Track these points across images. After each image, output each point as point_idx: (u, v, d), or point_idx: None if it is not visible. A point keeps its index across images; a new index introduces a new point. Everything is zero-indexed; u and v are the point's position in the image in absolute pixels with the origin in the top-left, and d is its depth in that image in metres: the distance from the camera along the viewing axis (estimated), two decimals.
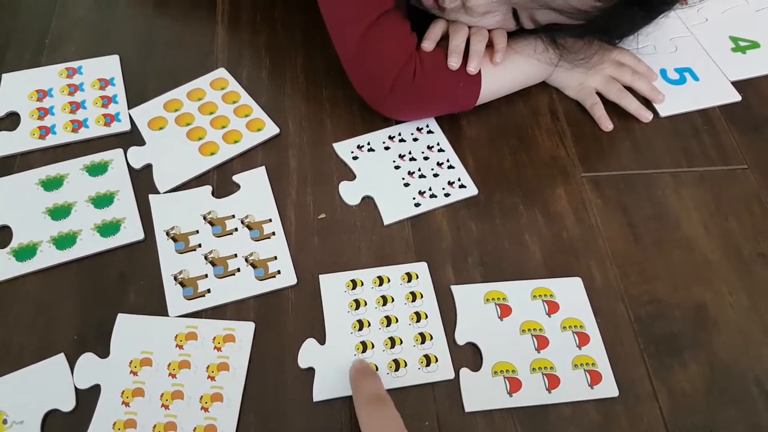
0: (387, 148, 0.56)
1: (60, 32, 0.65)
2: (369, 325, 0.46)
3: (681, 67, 0.66)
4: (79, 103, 0.58)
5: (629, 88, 0.61)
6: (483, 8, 0.54)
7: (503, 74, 0.59)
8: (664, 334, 0.48)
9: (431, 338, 0.46)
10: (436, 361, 0.45)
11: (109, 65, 0.61)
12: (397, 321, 0.46)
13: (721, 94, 0.64)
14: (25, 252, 0.49)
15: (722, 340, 0.47)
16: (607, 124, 0.60)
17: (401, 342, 0.45)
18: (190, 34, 0.65)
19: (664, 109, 0.62)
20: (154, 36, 0.64)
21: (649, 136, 0.60)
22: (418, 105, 0.57)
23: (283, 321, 0.47)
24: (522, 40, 0.59)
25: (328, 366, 0.44)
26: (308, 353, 0.45)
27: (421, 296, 0.48)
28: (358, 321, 0.46)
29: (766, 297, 0.50)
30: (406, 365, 0.44)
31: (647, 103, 0.62)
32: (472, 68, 0.55)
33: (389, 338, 0.46)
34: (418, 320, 0.47)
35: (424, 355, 0.45)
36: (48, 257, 0.49)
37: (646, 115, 0.60)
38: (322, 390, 0.44)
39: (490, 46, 0.57)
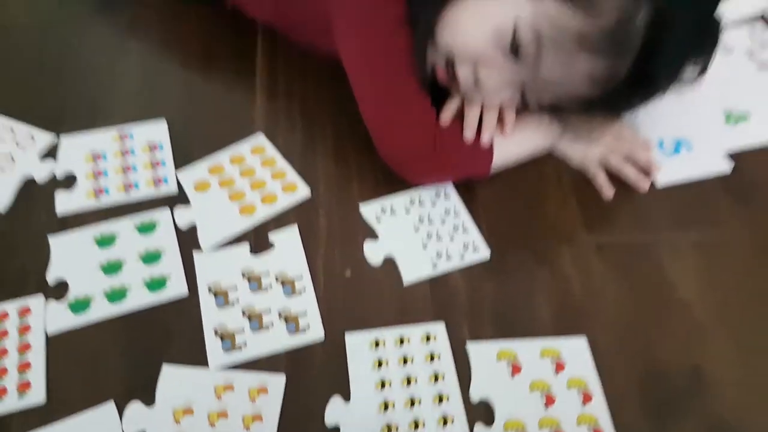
0: (408, 212, 0.58)
1: (114, 98, 0.67)
2: (390, 384, 0.47)
3: (676, 138, 0.67)
4: (131, 166, 0.60)
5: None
6: (494, 88, 0.57)
7: (513, 145, 0.61)
8: (665, 395, 0.48)
9: (448, 399, 0.47)
10: (453, 422, 0.46)
11: (158, 130, 0.63)
12: (416, 381, 0.48)
13: (714, 165, 0.65)
14: (80, 305, 0.51)
15: (721, 402, 0.48)
16: (607, 192, 0.61)
17: (420, 402, 0.47)
18: (232, 102, 0.67)
19: (662, 178, 0.63)
20: (200, 103, 0.67)
21: (648, 204, 0.61)
22: (437, 172, 0.59)
23: (312, 375, 0.48)
24: (529, 114, 0.61)
25: (353, 424, 0.45)
26: (334, 411, 0.46)
27: (439, 357, 0.49)
28: (381, 380, 0.48)
29: (762, 359, 0.50)
30: (425, 425, 0.45)
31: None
32: (485, 140, 0.58)
33: (410, 398, 0.47)
34: (436, 380, 0.48)
35: (442, 416, 0.46)
36: (101, 310, 0.50)
37: (643, 186, 0.62)
38: None
39: (501, 119, 0.60)
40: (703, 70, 0.56)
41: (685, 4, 0.51)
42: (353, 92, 0.59)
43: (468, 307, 0.53)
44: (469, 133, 0.57)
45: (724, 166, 0.64)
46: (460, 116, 0.59)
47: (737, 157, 0.65)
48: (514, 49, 0.52)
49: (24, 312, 0.50)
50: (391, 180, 0.60)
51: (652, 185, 0.62)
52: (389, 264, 0.55)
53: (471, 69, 0.55)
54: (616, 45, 0.50)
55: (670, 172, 0.64)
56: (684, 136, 0.67)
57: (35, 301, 0.51)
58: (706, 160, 0.65)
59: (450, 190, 0.60)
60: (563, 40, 0.50)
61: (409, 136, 0.56)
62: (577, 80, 0.53)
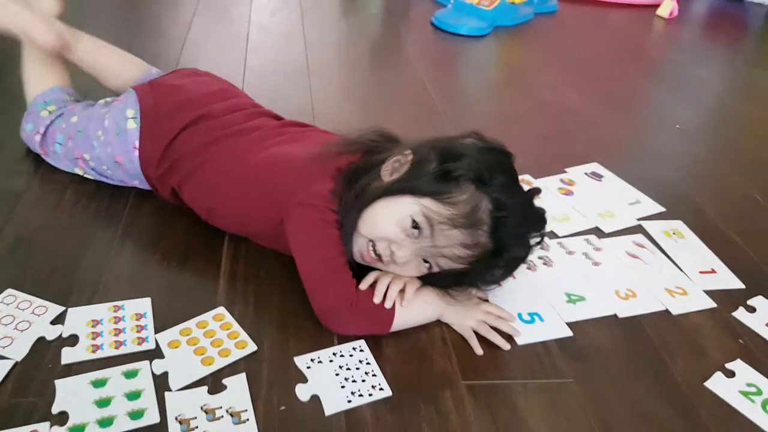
0: (331, 361, 0.79)
1: (109, 280, 0.87)
2: None
3: (531, 311, 0.89)
4: (121, 329, 0.79)
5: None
6: (404, 259, 0.81)
7: (410, 312, 0.83)
8: None
9: None
10: None
11: (143, 304, 0.83)
12: None
13: (558, 331, 0.86)
14: (77, 429, 0.66)
15: None
16: (477, 351, 0.82)
17: None
18: (201, 285, 0.88)
19: (521, 339, 0.84)
20: (176, 284, 0.88)
21: (508, 357, 0.83)
22: (351, 325, 0.81)
23: None
24: (425, 289, 0.86)
25: None
26: None
27: None
28: None
29: None
30: None
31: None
32: (387, 304, 0.81)
33: None
34: None
35: None
36: None
37: (505, 347, 0.83)
38: None
39: (402, 292, 0.83)
40: (540, 241, 0.83)
41: (511, 196, 0.80)
42: (297, 267, 0.82)
43: None
44: (377, 299, 0.81)
45: (567, 332, 0.87)
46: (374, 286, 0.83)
47: (575, 325, 0.90)
48: (416, 229, 0.78)
49: None
50: (320, 339, 0.81)
51: (513, 343, 0.85)
52: (315, 400, 0.74)
53: (387, 246, 0.81)
54: (473, 222, 0.78)
55: (526, 335, 0.85)
56: (537, 310, 0.90)
57: (42, 427, 0.66)
58: (553, 327, 0.87)
59: (363, 345, 0.81)
60: (442, 220, 0.77)
61: (334, 297, 0.80)
62: (456, 246, 0.79)
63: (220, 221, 0.95)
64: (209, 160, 0.91)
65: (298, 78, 1.55)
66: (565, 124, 1.48)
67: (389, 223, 0.80)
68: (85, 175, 1.05)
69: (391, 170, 0.84)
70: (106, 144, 0.98)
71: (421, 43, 1.89)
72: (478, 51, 1.91)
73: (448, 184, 0.78)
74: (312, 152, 0.88)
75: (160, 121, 0.95)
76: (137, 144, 0.96)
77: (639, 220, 1.13)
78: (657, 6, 2.39)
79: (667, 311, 0.93)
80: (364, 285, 0.83)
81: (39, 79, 1.10)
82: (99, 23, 1.72)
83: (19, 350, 0.75)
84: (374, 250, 0.82)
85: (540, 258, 1.00)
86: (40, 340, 0.77)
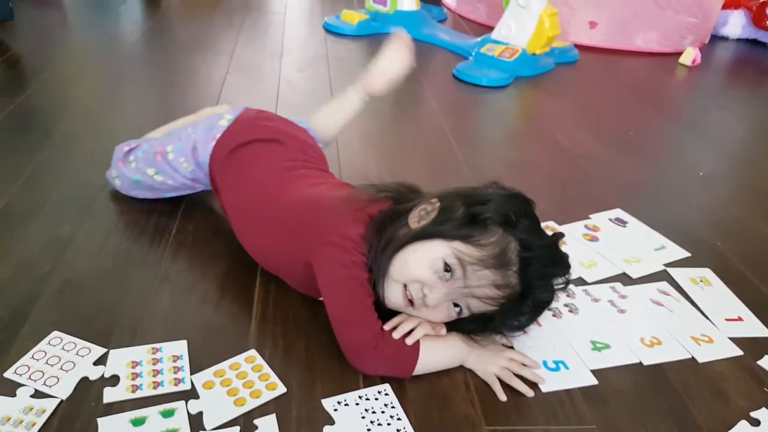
0: (357, 404, 0.81)
1: (148, 322, 0.92)
2: None
3: (557, 359, 0.90)
4: (159, 371, 0.84)
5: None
6: (435, 302, 0.84)
7: (434, 355, 0.86)
8: None
9: None
10: None
11: (180, 346, 0.88)
12: None
13: (583, 379, 0.87)
14: None
15: None
16: (502, 397, 0.84)
17: None
18: (233, 325, 0.93)
19: (545, 387, 0.85)
20: (210, 326, 0.93)
21: (532, 403, 0.84)
22: (377, 363, 0.84)
23: None
24: (450, 334, 0.88)
25: None
26: None
27: None
28: None
29: None
30: None
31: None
32: (409, 341, 0.84)
33: None
34: None
35: None
36: None
37: (528, 393, 0.84)
38: None
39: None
40: (566, 285, 0.86)
41: (537, 238, 0.84)
42: (325, 304, 0.86)
43: None
44: (396, 335, 0.84)
45: (592, 381, 0.88)
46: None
47: (599, 372, 0.91)
48: (448, 272, 0.82)
49: None
50: (346, 382, 0.84)
51: (537, 390, 0.87)
52: None
53: (420, 288, 0.84)
54: (503, 263, 0.81)
55: (551, 383, 0.86)
56: (563, 358, 0.91)
57: None
58: (578, 376, 0.87)
59: (389, 389, 0.84)
60: (473, 261, 0.81)
61: (360, 332, 0.83)
62: (488, 286, 0.82)
63: (252, 247, 1.01)
64: (257, 184, 1.01)
65: None
66: (585, 170, 1.52)
67: (421, 265, 0.82)
68: (155, 176, 1.13)
69: (418, 218, 0.88)
70: (192, 134, 1.10)
71: (442, 94, 1.96)
72: (499, 101, 1.98)
73: (476, 228, 0.82)
74: (341, 197, 0.93)
75: (245, 127, 1.08)
76: (218, 136, 1.07)
77: (665, 265, 1.15)
78: (679, 54, 2.44)
79: (692, 359, 0.94)
80: (389, 326, 0.86)
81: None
82: (136, 83, 1.84)
83: (64, 389, 0.80)
84: (406, 291, 0.85)
85: (566, 305, 1.02)
86: (84, 380, 0.81)
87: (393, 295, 0.87)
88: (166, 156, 1.13)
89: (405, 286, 0.85)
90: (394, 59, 1.22)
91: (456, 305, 0.85)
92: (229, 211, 1.05)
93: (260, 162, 1.03)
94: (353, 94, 1.25)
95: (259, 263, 1.03)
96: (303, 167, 1.05)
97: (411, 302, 0.85)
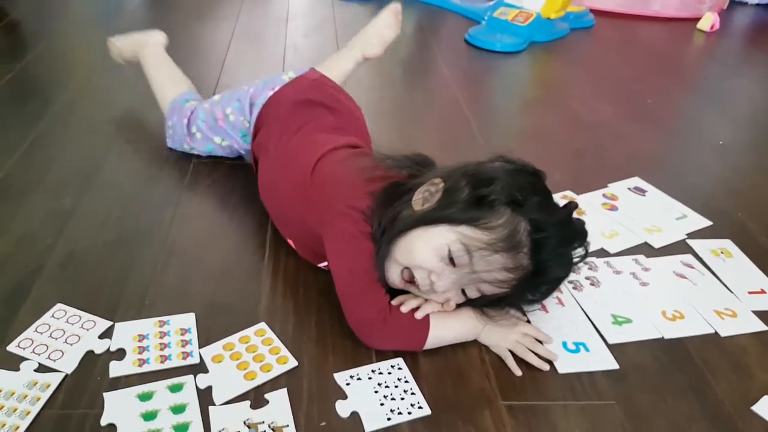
0: (370, 378, 0.80)
1: (155, 295, 0.91)
2: None
3: (577, 341, 0.86)
4: (166, 344, 0.82)
5: None
6: (443, 288, 0.82)
7: (445, 329, 0.84)
8: None
9: None
10: None
11: (188, 319, 0.86)
12: None
13: (604, 363, 0.83)
14: None
15: None
16: (516, 371, 0.82)
17: None
18: (242, 298, 0.91)
19: (563, 368, 0.82)
20: (219, 299, 0.91)
21: (549, 379, 0.83)
22: (387, 339, 0.82)
23: None
24: (462, 308, 0.86)
25: None
26: None
27: None
28: None
29: None
30: None
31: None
32: (418, 316, 0.82)
33: None
34: None
35: None
36: None
37: (543, 368, 0.82)
38: None
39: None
40: (584, 256, 0.83)
41: (548, 215, 0.80)
42: (333, 277, 0.84)
43: None
44: (404, 309, 0.82)
45: (613, 365, 0.84)
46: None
47: (619, 347, 0.89)
48: (451, 260, 0.79)
49: None
50: (358, 356, 0.83)
51: (555, 371, 0.84)
52: (355, 417, 0.75)
53: (426, 275, 0.82)
54: (512, 245, 0.78)
55: (570, 365, 0.82)
56: (583, 339, 0.88)
57: None
58: (599, 359, 0.84)
59: (402, 363, 0.82)
60: (481, 246, 0.78)
61: (368, 307, 0.81)
62: (497, 270, 0.79)
63: (270, 195, 1.02)
64: (294, 140, 1.01)
65: None
66: (602, 139, 1.48)
67: (426, 252, 0.79)
68: (222, 143, 1.18)
69: (422, 200, 0.84)
70: (249, 89, 1.13)
71: (454, 61, 1.91)
72: (513, 67, 1.93)
73: (482, 210, 0.78)
74: (355, 167, 0.91)
75: (305, 86, 1.10)
76: (277, 88, 1.09)
77: (687, 235, 1.12)
78: (697, 19, 2.37)
79: (715, 333, 0.92)
80: (395, 302, 0.85)
81: (173, 86, 1.27)
82: None
83: (69, 363, 0.78)
84: (408, 276, 0.83)
85: (587, 278, 0.99)
86: (89, 354, 0.80)
87: (392, 276, 0.85)
88: (227, 119, 1.14)
89: (405, 268, 0.83)
90: (389, 25, 1.25)
91: (463, 291, 0.83)
92: (261, 156, 1.05)
93: (308, 122, 1.03)
94: (347, 56, 1.26)
95: (271, 217, 1.03)
96: (341, 135, 1.02)
97: (410, 282, 0.84)
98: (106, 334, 0.83)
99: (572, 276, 0.88)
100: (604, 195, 1.23)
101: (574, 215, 0.84)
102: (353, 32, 1.32)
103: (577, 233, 0.84)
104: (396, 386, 0.79)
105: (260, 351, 0.82)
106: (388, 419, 0.74)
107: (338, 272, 0.85)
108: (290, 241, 1.00)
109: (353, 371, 0.80)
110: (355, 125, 1.11)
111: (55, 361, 0.78)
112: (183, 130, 1.19)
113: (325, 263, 0.92)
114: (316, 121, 1.03)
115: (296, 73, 1.14)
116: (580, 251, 0.84)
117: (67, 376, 0.77)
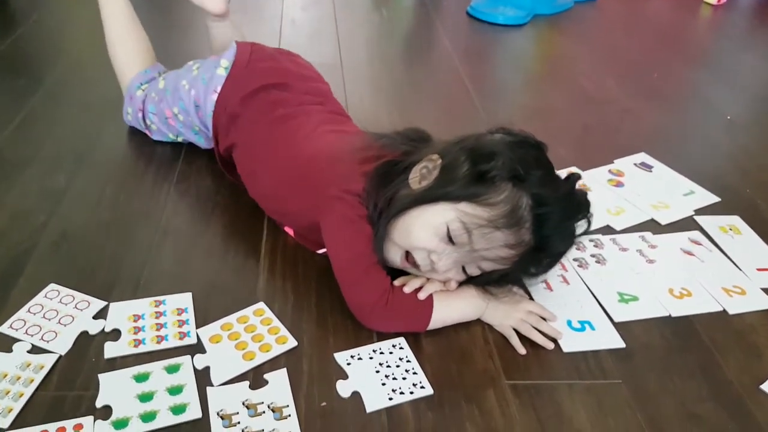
0: (371, 358, 0.79)
1: (151, 275, 0.89)
2: None
3: (582, 319, 0.85)
4: (162, 324, 0.81)
5: None
6: (445, 268, 0.81)
7: (448, 309, 0.82)
8: None
9: None
10: None
11: (184, 299, 0.85)
12: None
13: (609, 341, 0.82)
14: (120, 423, 0.68)
15: None
16: (520, 350, 0.81)
17: None
18: (240, 278, 0.90)
19: (569, 347, 0.81)
20: (216, 279, 0.89)
21: (553, 358, 0.82)
22: (387, 322, 0.81)
23: None
24: (464, 286, 0.85)
25: None
26: None
27: None
28: None
29: None
30: None
31: None
32: (421, 296, 0.81)
33: None
34: None
35: None
36: (136, 428, 0.68)
37: (548, 346, 0.81)
38: None
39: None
40: (587, 228, 0.82)
41: (551, 190, 0.78)
42: (331, 262, 0.83)
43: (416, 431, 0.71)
44: (407, 289, 0.81)
45: (619, 343, 0.83)
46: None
47: (625, 325, 0.88)
48: (451, 238, 0.78)
49: (77, 427, 0.67)
50: (359, 336, 0.81)
51: (560, 349, 0.83)
52: (356, 397, 0.74)
53: (426, 256, 0.80)
54: (514, 221, 0.76)
55: (576, 343, 0.81)
56: (588, 318, 0.86)
57: (86, 420, 0.68)
58: (605, 337, 0.83)
59: (403, 343, 0.81)
60: (482, 223, 0.76)
61: (369, 290, 0.80)
62: (499, 248, 0.78)
63: (259, 192, 0.98)
64: (266, 132, 0.96)
65: (332, 72, 1.54)
66: (607, 115, 1.45)
67: (426, 232, 0.78)
68: (178, 138, 1.14)
69: (420, 177, 0.82)
70: (190, 90, 1.05)
71: (456, 34, 1.87)
72: (516, 41, 1.89)
73: (483, 186, 0.76)
74: (347, 148, 0.88)
75: (246, 74, 1.02)
76: (219, 89, 1.02)
77: (695, 211, 1.10)
78: None
79: (723, 311, 0.90)
80: (397, 283, 0.83)
81: (130, 66, 1.18)
82: None
83: (63, 344, 0.77)
84: (410, 257, 0.81)
85: (593, 256, 0.97)
86: (83, 335, 0.79)
87: (392, 257, 0.83)
88: (177, 118, 1.10)
89: (406, 251, 0.81)
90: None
91: (464, 269, 0.82)
92: (236, 157, 1.01)
93: (270, 111, 0.98)
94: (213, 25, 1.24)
95: (264, 210, 1.00)
96: (309, 110, 1.00)
97: (412, 264, 0.82)
98: (101, 314, 0.82)
99: (577, 253, 0.86)
100: (609, 171, 1.21)
101: (577, 186, 0.82)
102: (351, 6, 1.28)
103: (581, 205, 0.82)
104: (398, 366, 0.77)
105: (259, 331, 0.80)
106: (390, 399, 0.73)
107: (337, 259, 0.83)
108: (289, 230, 0.98)
109: (354, 351, 0.79)
110: (314, 86, 1.06)
111: (48, 342, 0.77)
112: (140, 123, 1.16)
113: (324, 249, 0.90)
114: (276, 106, 0.98)
115: (228, 59, 1.04)
116: (582, 225, 0.82)
117: (61, 357, 0.76)
